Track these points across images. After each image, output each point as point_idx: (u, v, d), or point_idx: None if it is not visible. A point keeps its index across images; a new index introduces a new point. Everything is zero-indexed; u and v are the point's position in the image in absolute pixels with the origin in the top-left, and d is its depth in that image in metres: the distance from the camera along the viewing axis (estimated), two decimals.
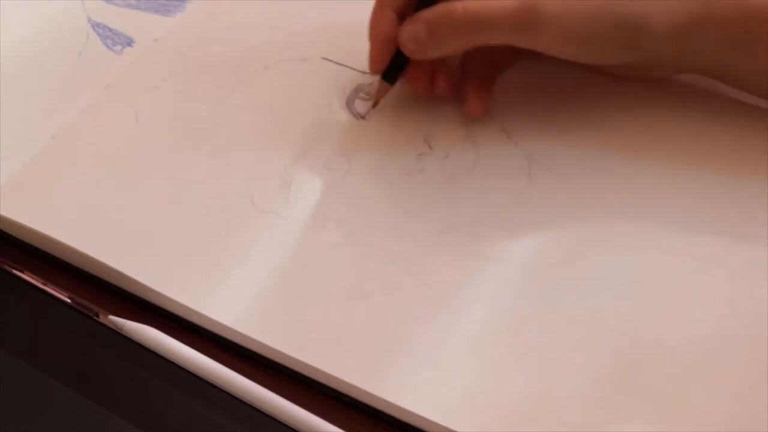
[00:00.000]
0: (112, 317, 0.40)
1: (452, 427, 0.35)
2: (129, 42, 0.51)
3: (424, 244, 0.40)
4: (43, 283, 0.42)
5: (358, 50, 0.47)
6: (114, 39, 0.51)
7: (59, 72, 0.49)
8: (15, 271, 0.42)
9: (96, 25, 0.52)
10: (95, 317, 0.40)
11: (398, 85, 0.46)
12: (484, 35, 0.41)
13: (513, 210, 0.41)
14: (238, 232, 0.42)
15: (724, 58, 0.41)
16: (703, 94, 0.44)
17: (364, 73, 0.47)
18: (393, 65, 0.44)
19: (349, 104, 0.47)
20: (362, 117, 0.46)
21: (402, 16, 0.43)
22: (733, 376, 0.35)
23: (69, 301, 0.41)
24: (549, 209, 0.41)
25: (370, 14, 0.44)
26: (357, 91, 0.47)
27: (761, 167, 0.41)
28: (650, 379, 0.35)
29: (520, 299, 0.38)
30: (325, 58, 0.49)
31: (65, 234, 0.41)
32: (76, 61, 0.50)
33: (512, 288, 0.39)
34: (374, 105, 0.46)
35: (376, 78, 0.46)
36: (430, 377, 0.36)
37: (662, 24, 0.40)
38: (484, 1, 0.41)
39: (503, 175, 0.42)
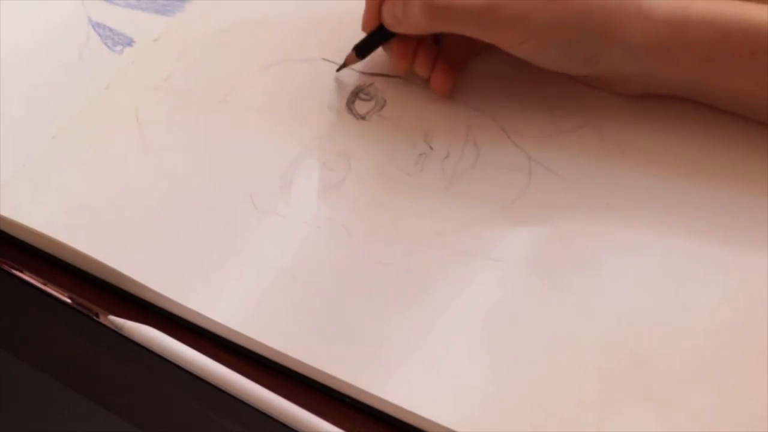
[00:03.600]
0: (112, 317, 0.40)
1: (452, 427, 0.35)
2: (129, 42, 0.51)
3: (424, 244, 0.40)
4: (43, 283, 0.42)
5: None
6: (114, 39, 0.51)
7: (59, 72, 0.49)
8: (15, 271, 0.42)
9: (96, 25, 0.52)
10: (95, 317, 0.40)
11: (401, 85, 0.46)
12: (452, 24, 0.42)
13: (513, 210, 0.41)
14: (238, 232, 0.42)
15: (697, 80, 0.41)
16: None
17: (364, 73, 0.47)
18: (368, 40, 0.46)
19: (349, 105, 0.47)
20: (362, 117, 0.46)
21: None
22: (733, 376, 0.35)
23: (69, 301, 0.41)
24: (549, 209, 0.41)
25: None
26: (357, 92, 0.47)
27: (760, 176, 0.41)
28: (649, 379, 0.35)
29: (519, 299, 0.38)
30: (325, 59, 0.49)
31: (65, 234, 0.41)
32: (77, 61, 0.50)
33: (513, 288, 0.39)
34: (338, 69, 0.47)
35: (377, 78, 0.46)
36: (430, 377, 0.36)
37: (625, 43, 0.40)
38: None
39: (503, 174, 0.42)
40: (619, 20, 0.40)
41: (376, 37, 0.45)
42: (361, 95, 0.47)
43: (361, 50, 0.46)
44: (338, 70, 0.47)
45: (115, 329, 0.40)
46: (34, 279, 0.42)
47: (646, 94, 0.43)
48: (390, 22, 0.44)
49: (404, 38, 0.45)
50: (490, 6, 0.41)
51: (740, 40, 0.39)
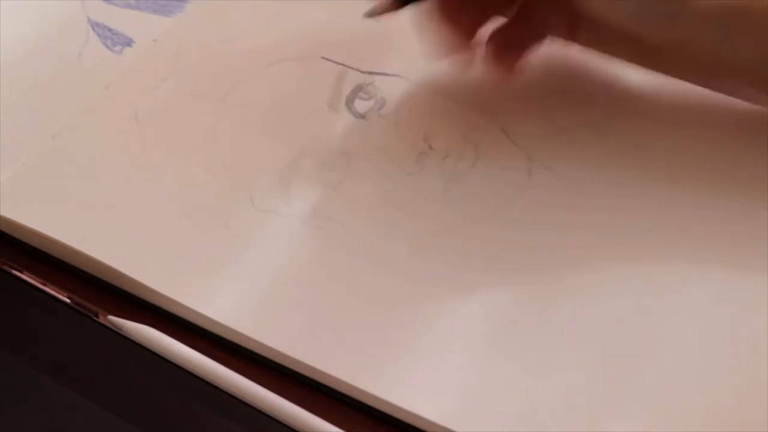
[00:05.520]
0: (112, 317, 0.40)
1: (452, 427, 0.35)
2: (129, 42, 0.51)
3: (424, 244, 0.40)
4: (42, 283, 0.42)
5: (358, 50, 0.48)
6: (113, 39, 0.51)
7: (59, 72, 0.49)
8: (15, 271, 0.42)
9: (95, 25, 0.52)
10: (95, 317, 0.40)
11: (401, 84, 0.46)
12: None
13: (513, 210, 0.41)
14: (238, 232, 0.42)
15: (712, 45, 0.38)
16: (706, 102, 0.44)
17: (364, 73, 0.47)
18: None
19: (349, 104, 0.47)
20: (362, 117, 0.46)
21: None
22: (732, 376, 0.35)
23: (69, 301, 0.41)
24: (549, 209, 0.41)
25: None
26: (357, 91, 0.47)
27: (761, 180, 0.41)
28: (649, 379, 0.35)
29: (519, 299, 0.38)
30: (325, 58, 0.49)
31: (65, 234, 0.41)
32: (76, 62, 0.50)
33: (512, 288, 0.39)
34: (371, 14, 0.42)
35: (377, 77, 0.46)
36: (430, 377, 0.36)
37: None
38: None
39: (503, 175, 0.42)
40: None
41: None
42: (361, 94, 0.47)
43: None
44: (369, 15, 0.42)
45: (115, 329, 0.40)
46: (34, 279, 0.42)
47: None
48: None
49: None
50: None
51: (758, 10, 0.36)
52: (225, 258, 0.41)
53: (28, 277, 0.42)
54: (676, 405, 0.35)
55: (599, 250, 0.39)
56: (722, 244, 0.39)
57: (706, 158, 0.42)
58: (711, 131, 0.42)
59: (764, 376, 0.35)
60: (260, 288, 0.40)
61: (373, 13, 0.43)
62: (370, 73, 0.47)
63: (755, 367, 0.35)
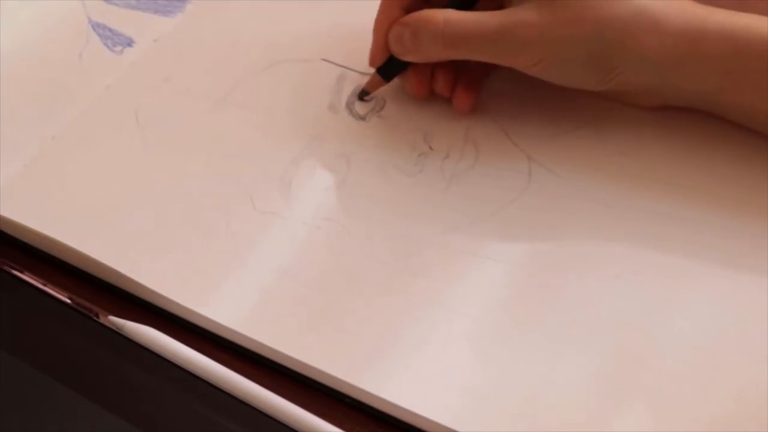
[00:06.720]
0: (112, 317, 0.40)
1: (452, 427, 0.35)
2: (129, 42, 0.51)
3: (424, 244, 0.40)
4: (43, 284, 0.42)
5: (358, 51, 0.48)
6: (114, 39, 0.51)
7: (59, 72, 0.49)
8: (15, 271, 0.42)
9: (96, 26, 0.52)
10: (95, 317, 0.40)
11: (401, 86, 0.46)
12: (464, 51, 0.42)
13: (512, 210, 0.41)
14: (238, 232, 0.42)
15: (713, 93, 0.40)
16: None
17: (364, 74, 0.47)
18: (392, 62, 0.44)
19: (348, 105, 0.47)
20: (362, 118, 0.46)
21: (410, 12, 0.43)
22: (733, 376, 0.35)
23: (69, 301, 0.41)
24: (548, 210, 0.41)
25: (378, 7, 0.44)
26: (357, 92, 0.47)
27: (758, 181, 0.41)
28: (649, 379, 0.35)
29: (519, 299, 0.38)
30: (325, 59, 0.49)
31: (65, 234, 0.41)
32: (77, 62, 0.50)
33: (512, 288, 0.39)
34: (360, 96, 0.46)
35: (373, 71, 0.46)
36: (430, 377, 0.36)
37: (641, 56, 0.40)
38: (468, 14, 0.41)
39: (503, 175, 0.43)
40: (634, 33, 0.39)
41: (396, 61, 0.44)
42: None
43: (386, 72, 0.45)
44: (361, 97, 0.46)
45: (115, 329, 0.40)
46: (34, 279, 0.42)
47: (664, 106, 0.43)
48: (398, 51, 0.43)
49: (420, 64, 0.44)
50: (503, 31, 0.40)
51: (758, 55, 0.38)
52: (225, 259, 0.41)
53: (29, 277, 0.42)
54: (676, 405, 0.35)
55: (599, 251, 0.39)
56: (722, 244, 0.39)
57: (705, 159, 0.42)
58: (710, 131, 0.43)
59: (764, 377, 0.35)
60: (260, 288, 0.40)
61: (365, 93, 0.46)
62: (371, 74, 0.47)
63: (755, 367, 0.35)
